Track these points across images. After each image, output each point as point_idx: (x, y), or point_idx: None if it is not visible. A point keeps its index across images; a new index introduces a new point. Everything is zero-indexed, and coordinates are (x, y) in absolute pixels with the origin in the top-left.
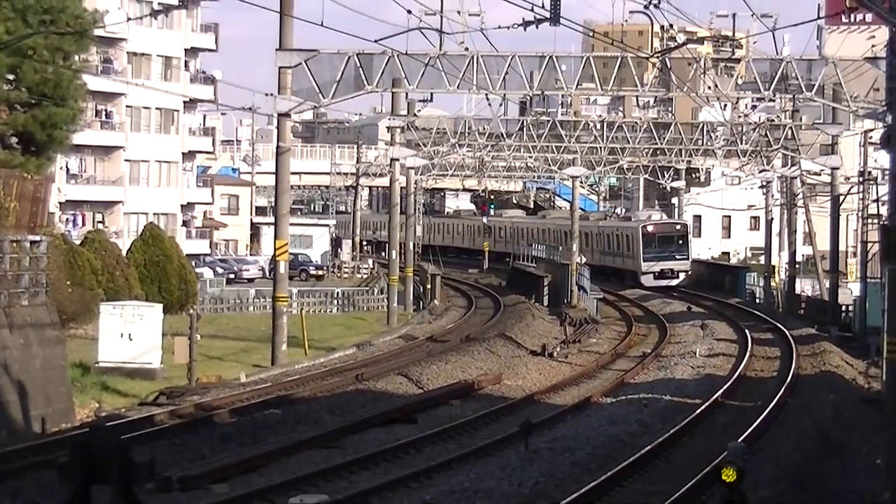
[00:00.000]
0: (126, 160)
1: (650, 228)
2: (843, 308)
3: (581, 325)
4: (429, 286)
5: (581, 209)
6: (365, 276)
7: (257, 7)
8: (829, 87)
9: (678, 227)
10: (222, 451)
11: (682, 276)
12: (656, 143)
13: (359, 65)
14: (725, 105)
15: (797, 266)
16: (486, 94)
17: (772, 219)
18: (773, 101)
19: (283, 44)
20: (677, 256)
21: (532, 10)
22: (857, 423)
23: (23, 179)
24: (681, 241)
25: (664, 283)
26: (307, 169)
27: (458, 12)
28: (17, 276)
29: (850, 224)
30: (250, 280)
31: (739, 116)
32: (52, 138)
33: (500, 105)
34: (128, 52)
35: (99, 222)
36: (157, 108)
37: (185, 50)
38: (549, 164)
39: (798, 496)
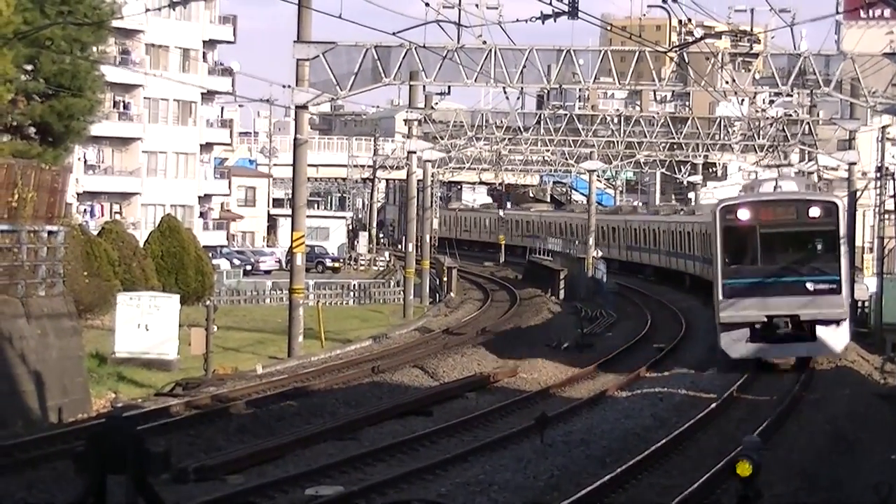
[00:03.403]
0: (143, 151)
1: (745, 215)
2: (859, 303)
3: (597, 319)
4: (445, 279)
5: (598, 203)
6: (381, 269)
7: None
8: (846, 83)
9: (813, 207)
10: (238, 443)
11: (829, 333)
12: (673, 138)
13: (376, 57)
14: (743, 100)
15: None
16: (504, 88)
17: None
18: (791, 96)
19: (301, 36)
20: (812, 283)
21: (550, 3)
22: (873, 419)
23: (40, 170)
24: (822, 246)
25: (778, 352)
26: (324, 161)
27: (476, 5)
28: (34, 266)
29: (867, 219)
30: (267, 272)
31: (757, 111)
32: (69, 129)
33: (518, 98)
34: (146, 44)
35: (116, 213)
36: (174, 100)
37: (203, 42)
38: (566, 158)
39: (813, 492)
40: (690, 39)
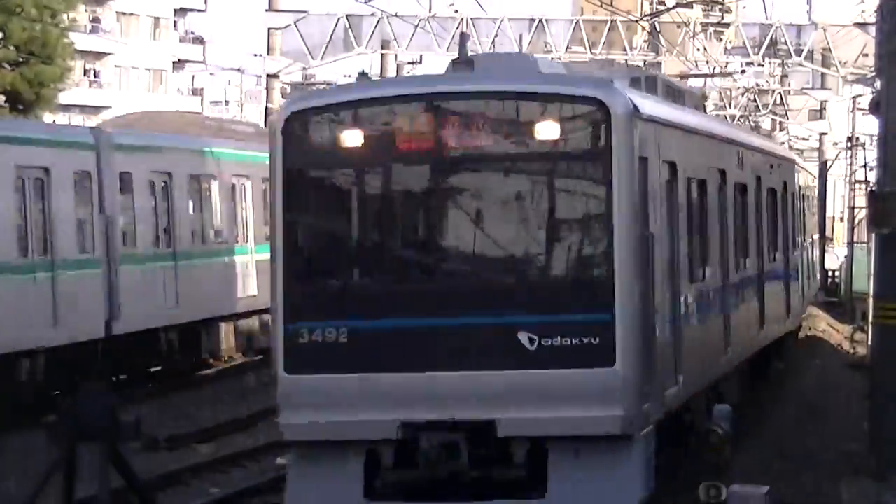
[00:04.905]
0: None
1: (352, 138)
2: (830, 273)
3: None
4: None
5: None
6: None
7: None
8: (818, 53)
9: (544, 118)
10: (209, 412)
11: (582, 472)
12: None
13: (348, 26)
14: (714, 69)
15: None
16: None
17: None
18: (762, 65)
19: (273, 4)
20: (532, 329)
21: None
22: (843, 389)
23: None
24: (572, 223)
25: None
26: None
27: None
28: None
29: (838, 189)
30: None
31: (728, 81)
32: (39, 97)
33: None
34: (116, 12)
35: None
36: (145, 68)
37: (174, 10)
38: None
39: (783, 461)
40: (662, 9)
